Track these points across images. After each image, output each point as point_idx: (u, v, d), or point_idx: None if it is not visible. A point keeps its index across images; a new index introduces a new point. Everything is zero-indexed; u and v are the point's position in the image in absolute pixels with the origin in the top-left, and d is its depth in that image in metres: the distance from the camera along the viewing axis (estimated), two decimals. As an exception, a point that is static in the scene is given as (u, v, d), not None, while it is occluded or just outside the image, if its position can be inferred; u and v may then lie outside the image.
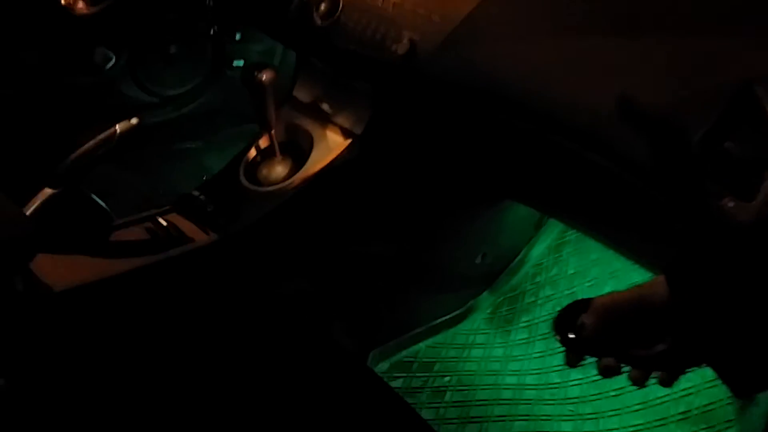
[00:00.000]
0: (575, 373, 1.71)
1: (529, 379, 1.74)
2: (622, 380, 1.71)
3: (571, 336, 0.73)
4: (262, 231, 1.44)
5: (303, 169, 1.49)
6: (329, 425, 1.24)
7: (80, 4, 1.60)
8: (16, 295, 1.13)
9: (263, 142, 1.54)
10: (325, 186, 1.48)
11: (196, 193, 1.51)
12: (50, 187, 1.19)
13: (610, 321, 0.70)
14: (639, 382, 0.71)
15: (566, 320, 0.75)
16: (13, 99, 1.70)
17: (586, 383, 1.69)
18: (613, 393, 1.65)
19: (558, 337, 0.74)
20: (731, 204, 0.86)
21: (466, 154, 1.51)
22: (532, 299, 1.89)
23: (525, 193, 1.58)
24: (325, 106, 1.55)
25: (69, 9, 1.61)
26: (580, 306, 0.74)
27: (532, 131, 1.14)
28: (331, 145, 1.51)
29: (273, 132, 1.50)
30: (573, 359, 0.75)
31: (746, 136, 0.89)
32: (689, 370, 0.70)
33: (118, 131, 1.27)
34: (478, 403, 1.69)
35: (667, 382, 0.70)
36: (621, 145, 0.99)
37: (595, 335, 0.71)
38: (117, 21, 1.58)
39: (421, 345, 1.81)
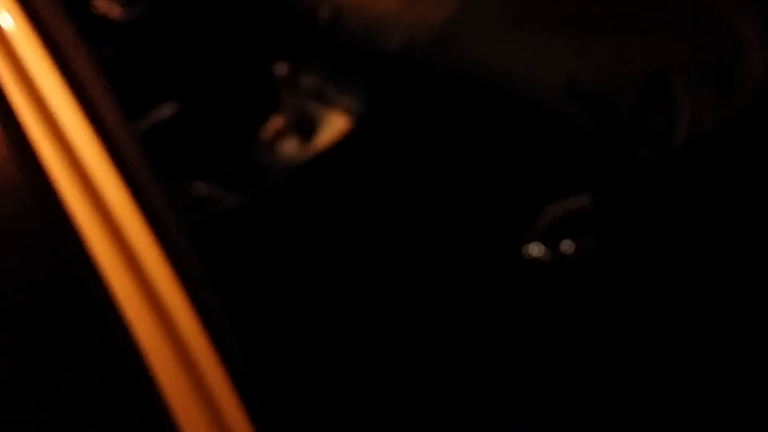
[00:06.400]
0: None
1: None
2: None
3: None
4: (284, 195, 1.78)
5: (312, 144, 1.83)
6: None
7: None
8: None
9: (277, 123, 1.88)
10: (331, 158, 1.83)
11: (225, 165, 1.84)
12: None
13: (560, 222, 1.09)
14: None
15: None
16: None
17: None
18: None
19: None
20: (648, 154, 1.26)
21: (446, 132, 1.86)
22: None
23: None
24: (329, 92, 1.89)
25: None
26: None
27: (505, 111, 1.51)
28: (334, 125, 1.85)
29: (285, 114, 1.84)
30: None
31: (659, 108, 1.28)
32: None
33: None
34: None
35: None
36: (570, 116, 1.36)
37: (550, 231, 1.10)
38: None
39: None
